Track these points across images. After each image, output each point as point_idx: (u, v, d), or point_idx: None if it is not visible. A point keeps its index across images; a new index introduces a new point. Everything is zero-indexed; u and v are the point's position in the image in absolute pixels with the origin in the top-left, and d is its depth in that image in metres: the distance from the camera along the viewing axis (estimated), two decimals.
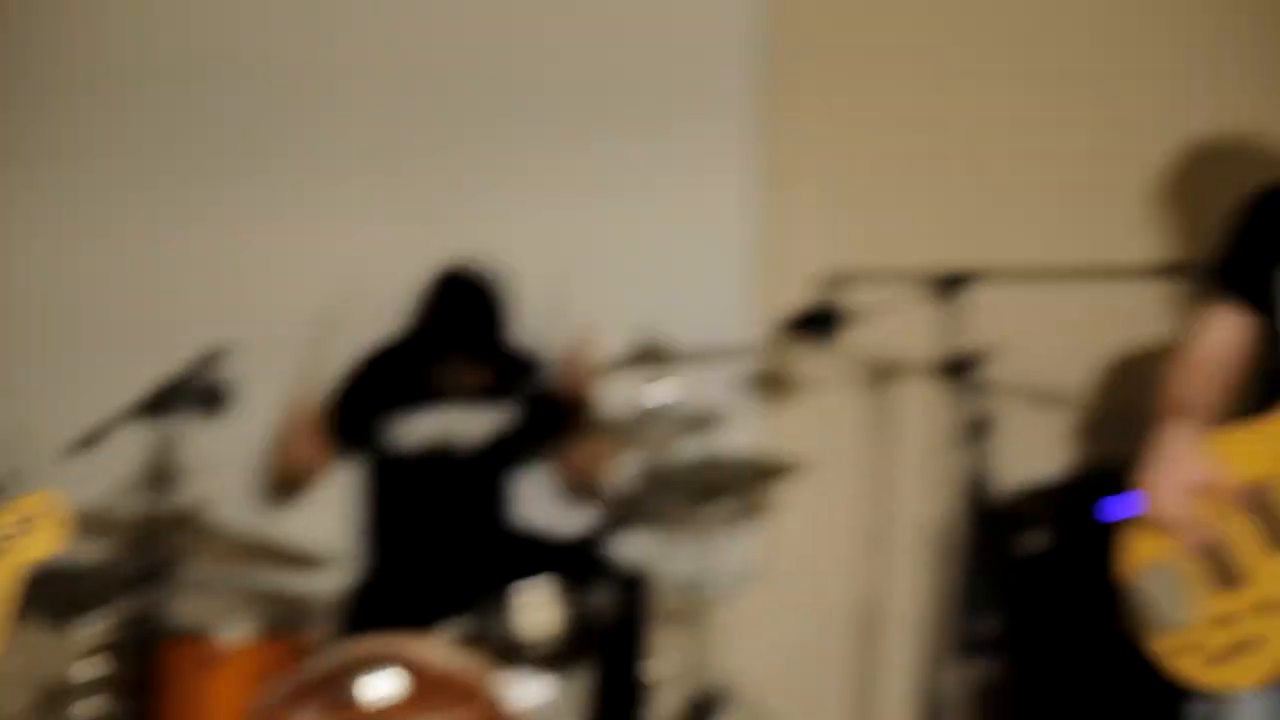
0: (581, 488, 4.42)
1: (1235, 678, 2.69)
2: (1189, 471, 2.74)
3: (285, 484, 4.46)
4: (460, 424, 4.37)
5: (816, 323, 4.09)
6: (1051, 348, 4.68)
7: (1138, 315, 4.63)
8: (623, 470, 4.57)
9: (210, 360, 3.87)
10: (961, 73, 4.64)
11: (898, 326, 4.20)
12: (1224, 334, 2.90)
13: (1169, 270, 3.94)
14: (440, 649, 3.64)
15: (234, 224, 4.74)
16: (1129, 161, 4.63)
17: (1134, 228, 4.65)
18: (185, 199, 4.73)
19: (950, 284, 3.93)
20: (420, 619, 3.78)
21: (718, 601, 4.18)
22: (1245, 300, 2.85)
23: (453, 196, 4.71)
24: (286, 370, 4.36)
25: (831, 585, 4.76)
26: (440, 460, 4.36)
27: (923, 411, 4.59)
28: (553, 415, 4.42)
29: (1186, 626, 2.75)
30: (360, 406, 4.41)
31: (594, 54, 4.67)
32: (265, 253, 4.72)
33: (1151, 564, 2.82)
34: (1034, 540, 4.21)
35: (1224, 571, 2.70)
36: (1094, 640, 4.13)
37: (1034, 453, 4.63)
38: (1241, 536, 2.68)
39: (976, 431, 4.28)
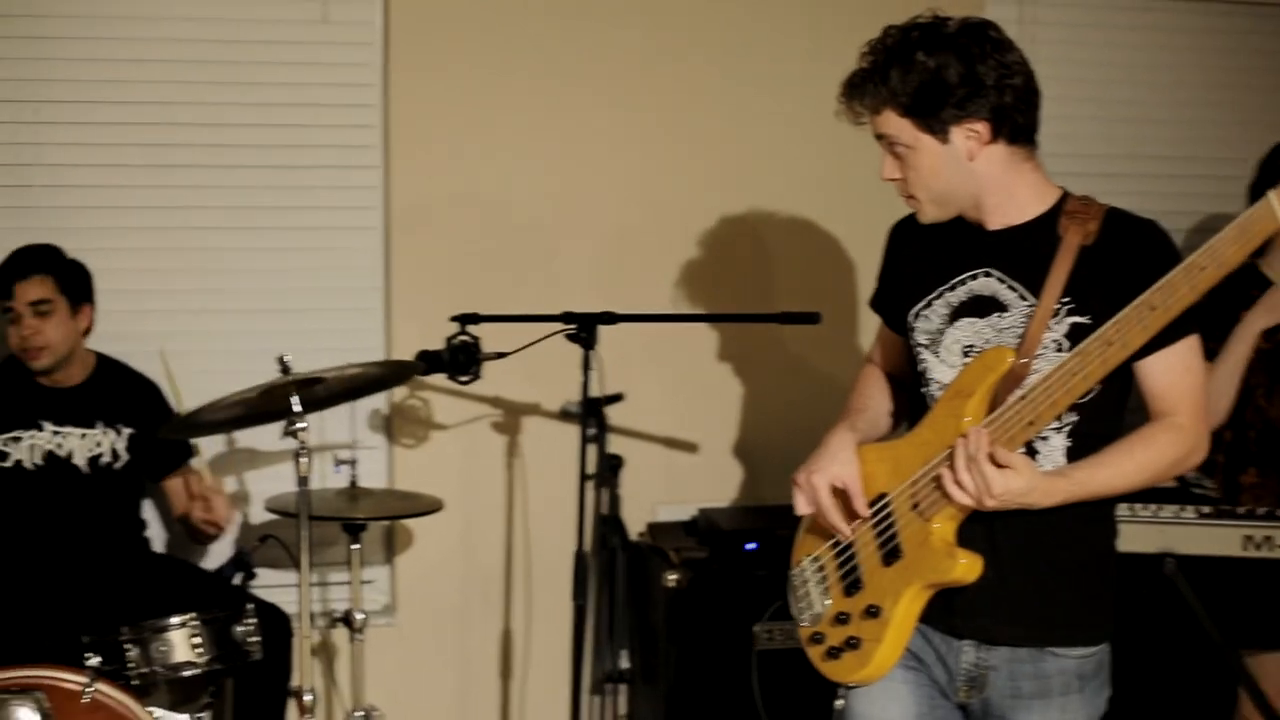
0: (195, 530, 4.26)
1: (840, 673, 2.88)
2: (832, 470, 2.84)
3: None
4: (73, 443, 4.18)
5: (450, 361, 4.12)
6: (680, 390, 4.85)
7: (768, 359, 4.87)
8: (250, 506, 4.55)
9: None
10: (581, 125, 4.76)
11: (531, 368, 4.25)
12: (884, 351, 3.09)
13: (793, 317, 4.12)
14: (83, 678, 3.42)
15: None
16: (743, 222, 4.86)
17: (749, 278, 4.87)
18: None
19: (582, 327, 4.02)
20: (53, 646, 3.55)
21: (359, 637, 4.10)
22: (890, 326, 3.03)
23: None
24: None
25: (473, 621, 4.77)
26: (63, 477, 4.15)
27: (556, 450, 4.67)
28: (164, 453, 4.30)
29: (821, 619, 2.90)
30: None
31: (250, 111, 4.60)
32: None
33: (807, 557, 2.96)
34: (671, 575, 4.29)
35: (852, 574, 2.86)
36: (735, 671, 4.26)
37: (663, 491, 4.79)
38: (865, 544, 2.83)
39: (608, 470, 4.39)
